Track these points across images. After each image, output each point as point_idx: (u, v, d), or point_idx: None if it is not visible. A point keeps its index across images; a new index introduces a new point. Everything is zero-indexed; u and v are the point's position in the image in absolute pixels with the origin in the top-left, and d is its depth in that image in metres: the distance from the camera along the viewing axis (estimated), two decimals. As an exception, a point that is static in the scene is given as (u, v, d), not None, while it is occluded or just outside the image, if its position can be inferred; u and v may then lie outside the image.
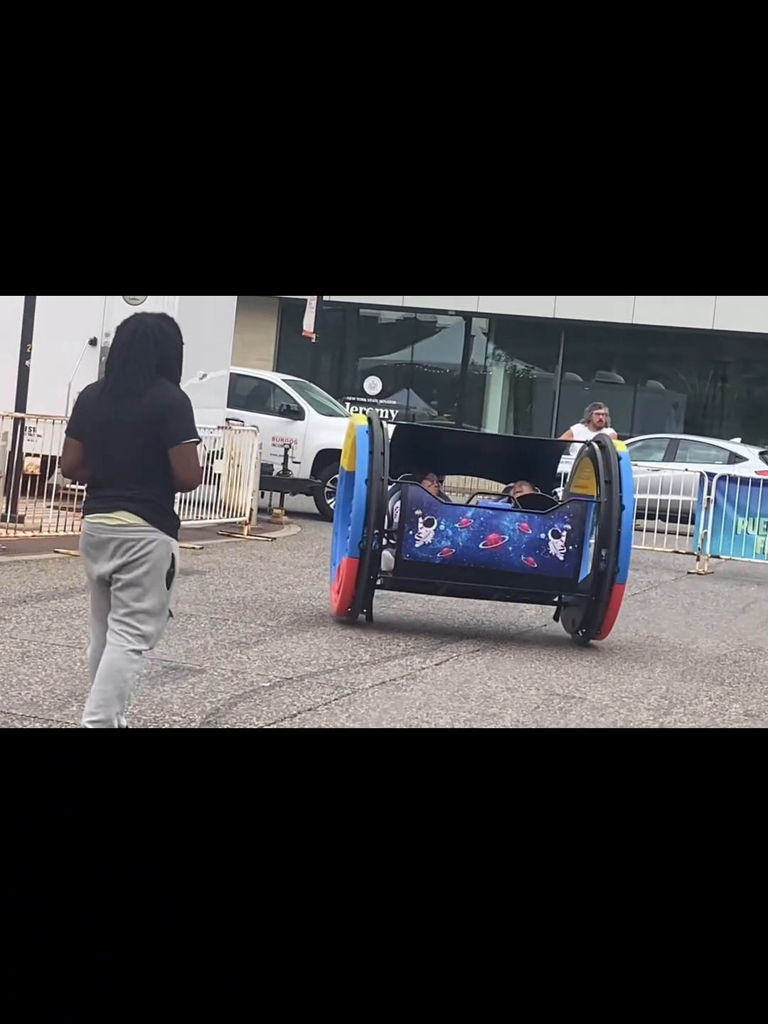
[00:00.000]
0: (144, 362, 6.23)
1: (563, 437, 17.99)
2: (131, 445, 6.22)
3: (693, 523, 18.57)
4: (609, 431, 17.25)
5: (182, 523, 15.58)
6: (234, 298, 18.54)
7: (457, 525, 10.60)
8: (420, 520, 10.60)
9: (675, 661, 11.00)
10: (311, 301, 26.84)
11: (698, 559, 17.81)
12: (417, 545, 10.64)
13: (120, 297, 16.00)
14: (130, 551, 6.21)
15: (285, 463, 18.97)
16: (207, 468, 16.36)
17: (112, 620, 6.29)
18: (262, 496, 18.35)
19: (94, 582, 6.38)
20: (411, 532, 10.63)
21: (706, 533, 17.75)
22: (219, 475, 16.58)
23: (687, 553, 18.54)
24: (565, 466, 13.59)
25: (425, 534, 10.61)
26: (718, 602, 15.03)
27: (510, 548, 10.60)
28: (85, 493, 6.49)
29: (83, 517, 6.42)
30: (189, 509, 15.84)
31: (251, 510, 16.80)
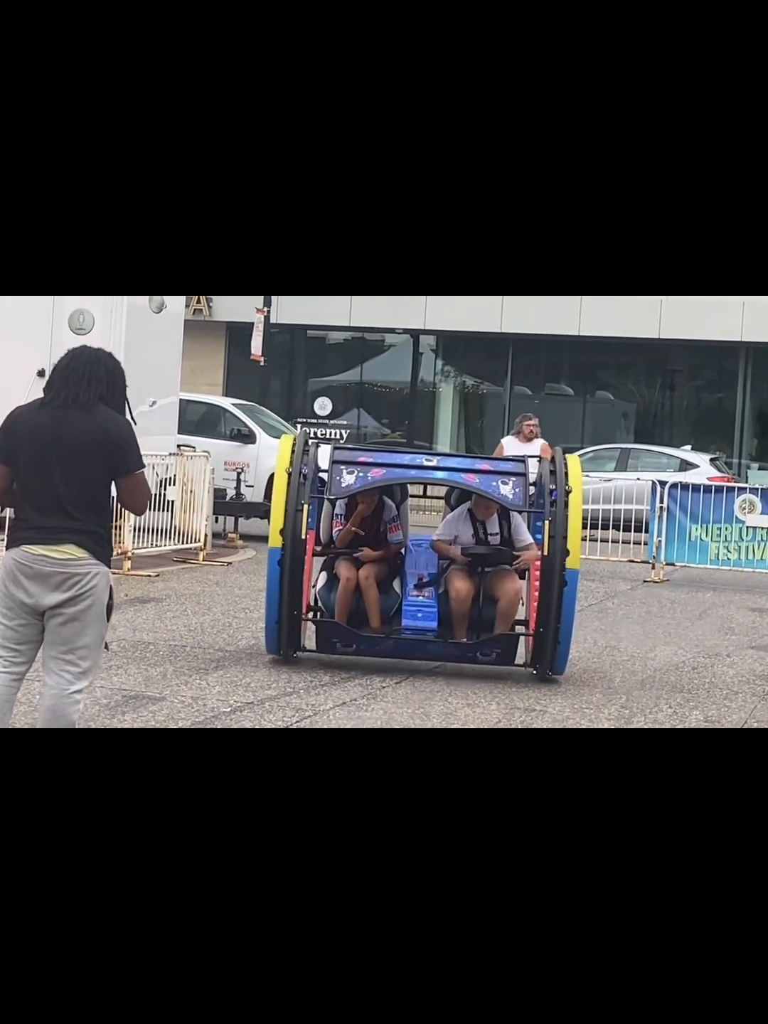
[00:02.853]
0: (95, 378, 6.00)
1: (495, 452, 17.84)
2: (76, 473, 5.96)
3: (647, 532, 18.64)
4: (540, 443, 17.13)
5: (137, 552, 15.37)
6: (181, 324, 18.52)
7: (377, 648, 10.41)
8: (337, 643, 10.46)
9: (634, 670, 11.04)
10: (258, 324, 26.85)
11: (653, 567, 17.88)
12: (338, 649, 10.54)
13: (67, 327, 15.96)
14: (76, 585, 5.97)
15: (238, 487, 18.95)
16: (160, 495, 16.32)
17: (50, 658, 6.05)
18: (216, 521, 18.32)
19: (23, 614, 6.04)
20: (328, 649, 10.54)
21: (660, 541, 17.82)
22: (173, 502, 16.53)
23: (642, 562, 18.61)
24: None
25: (343, 648, 10.50)
26: (675, 609, 15.10)
27: (436, 657, 10.47)
28: (14, 519, 6.12)
29: (16, 546, 6.02)
30: (144, 536, 15.80)
31: (206, 535, 16.76)
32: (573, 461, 10.51)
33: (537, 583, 10.33)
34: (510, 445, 17.26)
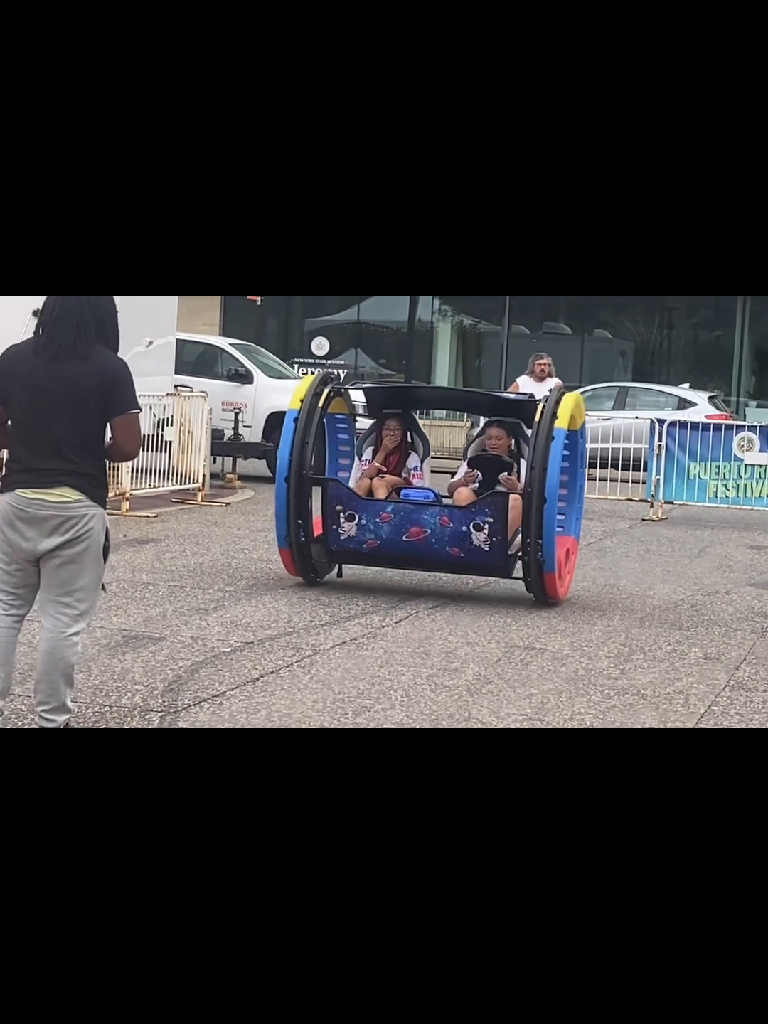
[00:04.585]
0: (83, 324, 5.96)
1: (510, 389, 18.02)
2: (73, 414, 5.95)
3: (645, 470, 18.64)
4: (554, 381, 17.26)
5: (135, 493, 15.44)
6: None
7: (378, 520, 10.71)
8: (341, 515, 10.75)
9: (633, 608, 11.06)
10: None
11: (652, 506, 17.88)
12: (342, 538, 10.81)
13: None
14: (73, 529, 5.98)
15: (236, 427, 18.92)
16: (159, 435, 16.30)
17: (47, 600, 6.07)
18: (214, 461, 18.30)
19: (20, 559, 6.05)
20: (334, 526, 10.78)
21: (659, 479, 17.82)
22: (170, 442, 16.51)
23: (641, 500, 18.61)
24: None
25: (348, 528, 10.75)
26: (673, 548, 15.11)
27: (433, 540, 10.64)
28: (8, 461, 6.11)
29: (10, 490, 6.04)
30: (142, 477, 15.79)
31: (204, 476, 16.75)
32: (565, 408, 10.93)
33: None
34: (525, 384, 17.40)
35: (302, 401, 10.88)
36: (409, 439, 11.79)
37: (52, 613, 6.08)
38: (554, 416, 10.62)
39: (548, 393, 11.13)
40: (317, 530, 11.01)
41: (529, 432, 10.95)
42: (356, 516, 10.72)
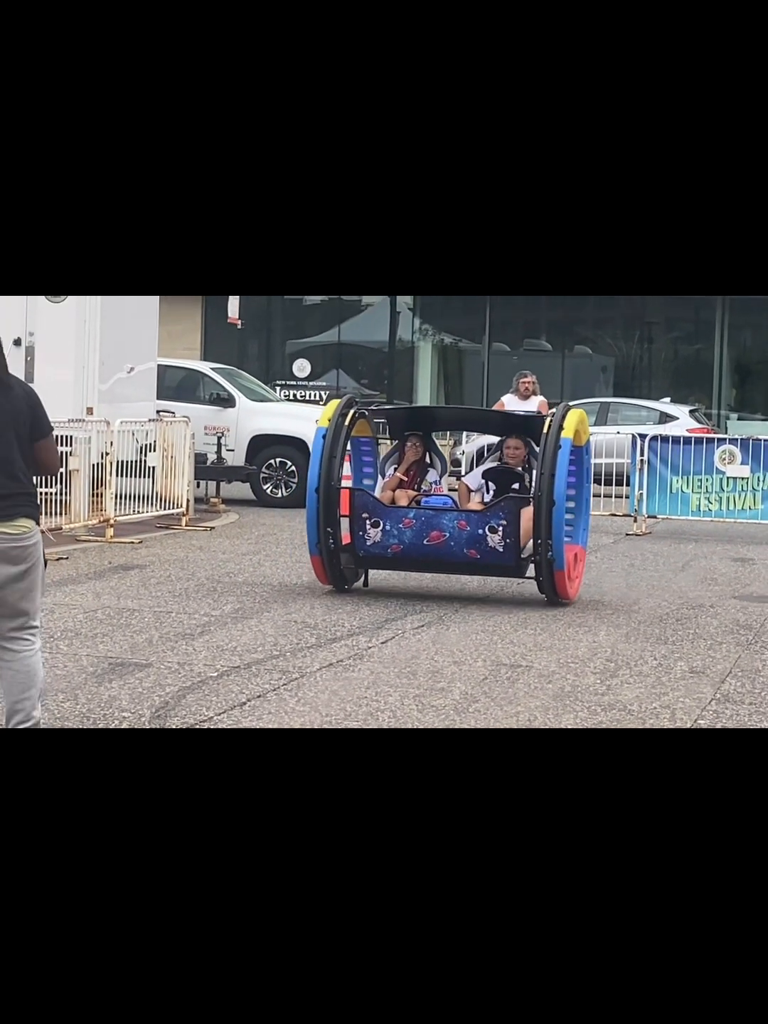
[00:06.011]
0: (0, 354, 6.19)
1: (495, 408, 18.11)
2: (14, 442, 6.18)
3: (628, 485, 18.68)
4: (539, 399, 17.42)
5: (119, 519, 15.39)
6: (157, 289, 18.44)
7: (401, 525, 11.60)
8: (367, 521, 11.61)
9: (618, 623, 11.08)
10: (234, 287, 26.72)
11: (635, 520, 17.92)
12: (369, 543, 11.66)
13: (42, 297, 15.89)
14: (25, 557, 6.20)
15: (219, 451, 18.92)
16: (142, 461, 16.32)
17: (8, 629, 6.24)
18: (198, 486, 18.30)
19: None
20: (361, 533, 11.65)
21: (642, 494, 17.86)
22: (154, 468, 16.52)
23: (624, 515, 18.65)
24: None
25: (374, 534, 11.62)
26: (658, 562, 15.14)
27: (452, 543, 11.49)
28: None
29: None
30: (126, 503, 15.79)
31: (188, 501, 16.75)
32: (570, 422, 11.77)
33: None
34: (510, 402, 17.52)
35: (330, 420, 11.80)
36: (428, 459, 12.66)
37: (17, 637, 6.28)
38: (561, 427, 11.53)
39: (553, 411, 12.04)
40: (344, 540, 11.77)
41: (538, 448, 11.71)
42: (381, 523, 11.58)
